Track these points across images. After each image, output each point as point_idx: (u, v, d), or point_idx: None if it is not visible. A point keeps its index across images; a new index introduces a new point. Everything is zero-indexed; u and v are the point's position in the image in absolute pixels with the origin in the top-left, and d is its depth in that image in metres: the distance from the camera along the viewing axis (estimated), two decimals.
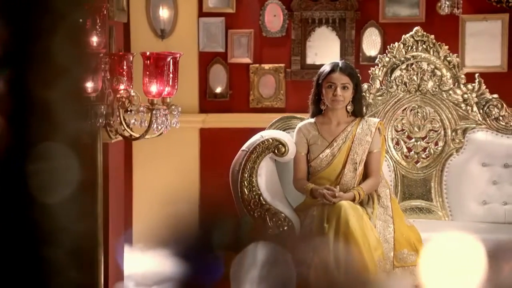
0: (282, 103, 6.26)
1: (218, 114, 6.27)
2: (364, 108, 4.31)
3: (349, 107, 4.19)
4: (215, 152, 6.13)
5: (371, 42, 6.19)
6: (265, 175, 4.12)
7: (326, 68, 4.18)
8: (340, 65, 4.16)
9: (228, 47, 6.24)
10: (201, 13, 6.24)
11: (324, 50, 6.23)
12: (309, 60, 6.24)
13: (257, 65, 6.26)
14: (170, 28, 6.17)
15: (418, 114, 4.60)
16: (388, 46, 4.68)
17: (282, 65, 6.25)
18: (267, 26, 6.23)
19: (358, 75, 4.25)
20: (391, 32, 5.89)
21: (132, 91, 3.76)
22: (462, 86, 4.55)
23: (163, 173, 6.19)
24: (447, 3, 5.78)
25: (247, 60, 6.25)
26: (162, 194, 6.20)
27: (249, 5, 6.25)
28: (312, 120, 4.25)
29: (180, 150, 6.22)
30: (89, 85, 3.63)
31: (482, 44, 6.03)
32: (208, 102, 6.30)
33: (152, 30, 6.16)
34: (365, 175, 4.19)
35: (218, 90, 6.29)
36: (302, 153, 4.21)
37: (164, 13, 6.14)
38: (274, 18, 6.23)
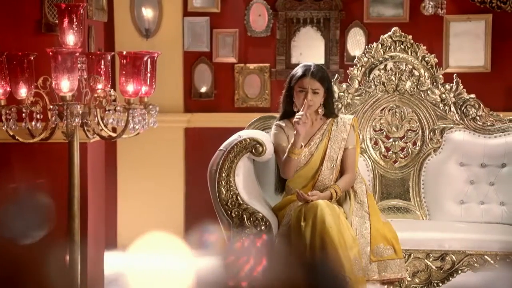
0: (267, 103, 6.28)
1: (203, 114, 6.29)
2: (335, 109, 4.34)
3: (320, 110, 4.22)
4: (200, 151, 6.15)
5: (355, 42, 6.22)
6: (242, 175, 4.13)
7: (298, 72, 4.20)
8: (311, 69, 4.17)
9: (213, 47, 6.26)
10: (186, 13, 6.25)
11: (309, 50, 6.26)
12: (294, 60, 6.26)
13: (242, 64, 6.28)
14: (155, 28, 6.18)
15: (396, 114, 4.62)
16: (366, 46, 4.70)
17: (267, 64, 6.28)
18: (252, 25, 6.25)
19: (330, 78, 4.26)
20: (376, 32, 5.90)
21: (112, 91, 3.76)
22: (440, 86, 4.57)
23: (148, 173, 6.21)
24: (431, 3, 5.81)
25: (232, 59, 6.27)
26: (146, 193, 6.22)
27: (234, 4, 6.27)
28: (287, 120, 4.26)
29: (165, 150, 6.24)
30: (65, 84, 3.64)
31: (465, 44, 6.06)
32: (193, 102, 6.31)
33: (137, 30, 6.17)
34: (341, 172, 4.21)
35: (203, 89, 6.31)
36: (284, 144, 4.20)
37: (148, 12, 6.15)
38: (259, 18, 6.25)
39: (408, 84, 4.59)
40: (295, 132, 4.09)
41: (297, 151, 4.10)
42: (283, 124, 4.25)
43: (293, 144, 4.10)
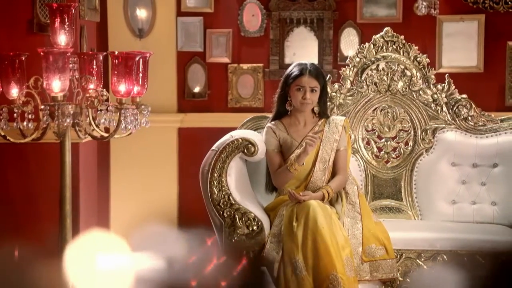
0: (261, 103, 6.28)
1: (197, 114, 6.28)
2: (328, 108, 4.35)
3: (315, 109, 4.24)
4: (193, 151, 6.14)
5: (348, 42, 6.22)
6: (234, 175, 4.13)
7: (294, 70, 4.21)
8: (309, 67, 4.18)
9: (206, 47, 6.26)
10: (180, 13, 6.25)
11: (302, 50, 6.25)
12: (287, 60, 6.26)
13: (236, 64, 6.27)
14: (148, 28, 6.18)
15: (388, 114, 4.62)
16: (358, 47, 4.70)
17: (261, 65, 6.27)
18: (246, 25, 6.24)
19: (325, 76, 4.27)
20: (369, 32, 5.90)
21: (103, 91, 3.76)
22: (431, 86, 4.58)
23: (141, 173, 6.20)
24: (424, 3, 5.81)
25: (225, 59, 6.27)
26: (140, 194, 6.22)
27: (228, 4, 6.26)
28: (278, 121, 4.26)
29: (158, 150, 6.23)
30: (56, 84, 3.64)
31: (458, 45, 6.06)
32: (187, 102, 6.31)
33: (130, 30, 6.16)
34: (333, 173, 4.22)
35: (197, 89, 6.31)
36: (275, 150, 4.22)
37: (141, 12, 6.15)
38: (252, 18, 6.25)
39: (400, 84, 4.59)
40: (303, 149, 4.08)
41: (299, 167, 4.10)
42: (274, 127, 4.26)
43: (297, 160, 4.10)
